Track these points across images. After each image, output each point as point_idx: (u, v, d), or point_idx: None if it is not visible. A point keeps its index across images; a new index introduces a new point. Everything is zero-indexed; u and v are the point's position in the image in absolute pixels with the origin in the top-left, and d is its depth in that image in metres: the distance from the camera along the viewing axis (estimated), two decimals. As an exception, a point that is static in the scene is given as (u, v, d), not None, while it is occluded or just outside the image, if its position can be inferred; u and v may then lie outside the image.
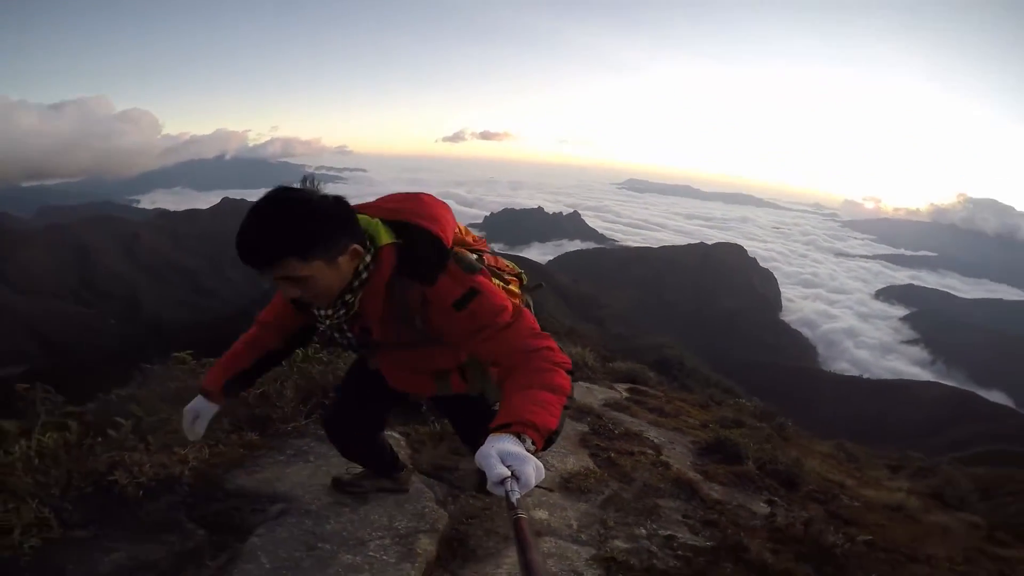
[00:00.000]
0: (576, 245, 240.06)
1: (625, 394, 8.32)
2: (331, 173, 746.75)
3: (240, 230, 1.67)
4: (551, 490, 3.23)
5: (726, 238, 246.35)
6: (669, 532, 2.85)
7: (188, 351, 4.08)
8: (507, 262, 2.19)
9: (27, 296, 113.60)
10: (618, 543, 2.66)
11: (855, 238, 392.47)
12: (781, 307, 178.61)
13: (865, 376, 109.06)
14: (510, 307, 1.86)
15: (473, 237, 2.18)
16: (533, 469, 1.40)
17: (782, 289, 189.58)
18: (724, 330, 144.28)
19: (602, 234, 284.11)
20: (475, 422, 1.84)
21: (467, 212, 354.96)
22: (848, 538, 3.18)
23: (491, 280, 1.97)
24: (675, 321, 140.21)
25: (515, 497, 1.33)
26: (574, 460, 3.82)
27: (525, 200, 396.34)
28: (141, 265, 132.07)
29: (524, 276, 2.27)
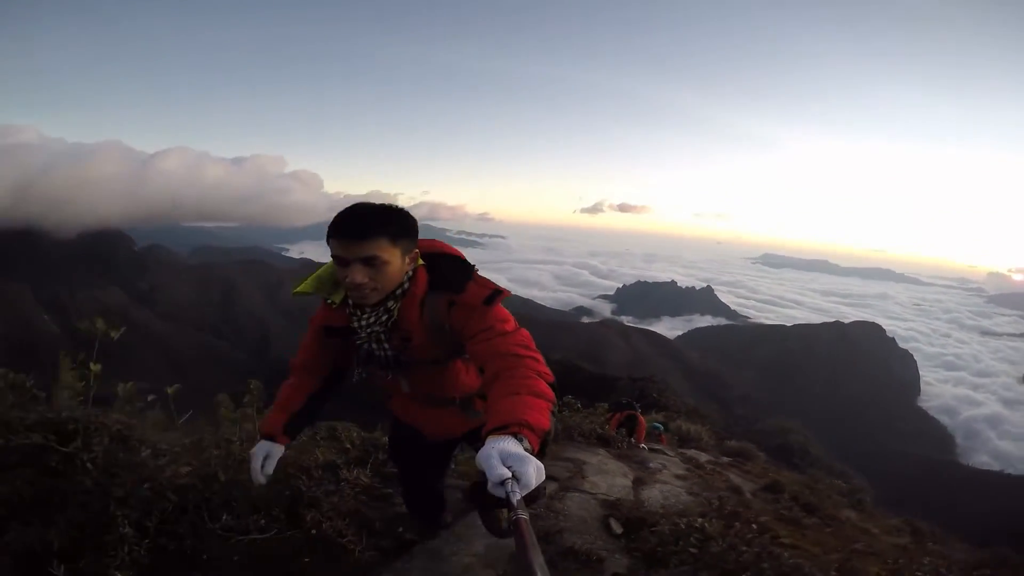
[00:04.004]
0: (707, 321, 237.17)
1: (726, 460, 11.53)
2: (470, 238, 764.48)
3: (344, 211, 2.05)
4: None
5: (864, 316, 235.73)
6: (720, 495, 6.38)
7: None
8: None
9: (169, 322, 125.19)
10: (699, 488, 6.30)
11: (1002, 315, 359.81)
12: (920, 391, 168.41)
13: (1007, 472, 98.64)
14: (514, 321, 2.17)
15: None
16: (534, 470, 1.46)
17: (922, 372, 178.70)
18: (856, 415, 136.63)
19: (734, 310, 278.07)
20: None
21: (600, 283, 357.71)
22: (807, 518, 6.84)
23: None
24: (804, 404, 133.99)
25: (516, 498, 1.36)
26: (683, 472, 7.56)
27: (658, 273, 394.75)
28: (280, 309, 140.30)
29: None
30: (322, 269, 2.31)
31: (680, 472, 7.60)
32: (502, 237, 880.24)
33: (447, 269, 2.23)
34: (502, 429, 1.58)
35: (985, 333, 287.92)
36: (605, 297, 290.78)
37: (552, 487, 5.05)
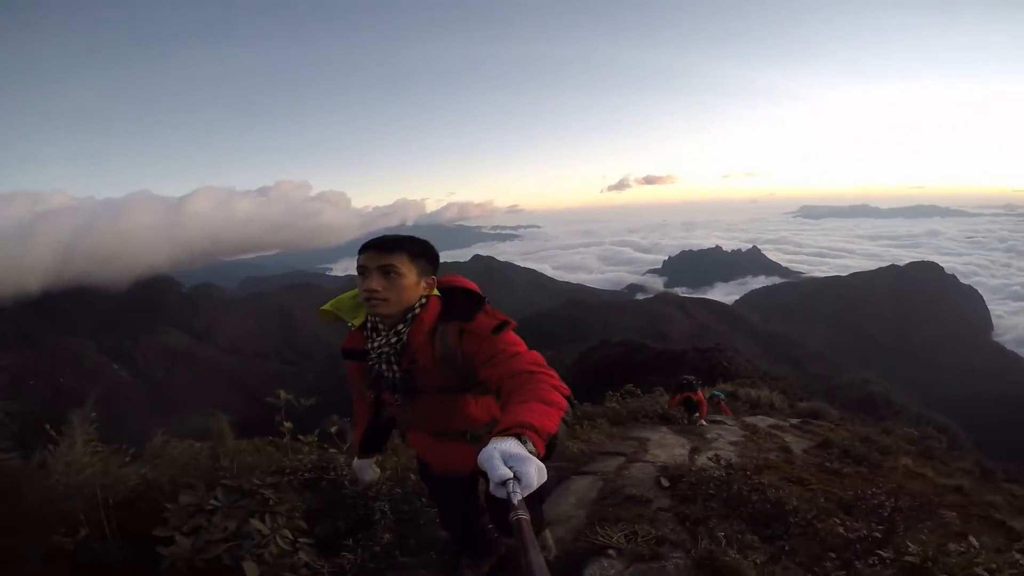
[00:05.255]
0: (761, 281, 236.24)
1: (791, 423, 12.35)
2: (506, 232, 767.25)
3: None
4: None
5: (918, 256, 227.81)
6: (769, 456, 7.37)
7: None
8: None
9: (233, 356, 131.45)
10: (751, 451, 7.25)
11: None
12: (992, 326, 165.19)
13: None
14: (524, 345, 2.24)
15: None
16: (535, 470, 1.45)
17: (990, 306, 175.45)
18: (932, 359, 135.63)
19: (786, 267, 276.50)
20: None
21: (645, 258, 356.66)
22: (852, 468, 7.91)
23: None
24: (876, 354, 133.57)
25: (516, 498, 1.35)
26: (739, 439, 8.54)
27: (701, 240, 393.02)
28: (338, 327, 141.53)
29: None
30: (345, 293, 2.53)
31: (735, 439, 8.62)
32: (537, 227, 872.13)
33: (459, 300, 2.37)
34: (505, 431, 1.59)
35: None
36: (654, 271, 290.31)
37: (619, 461, 6.19)
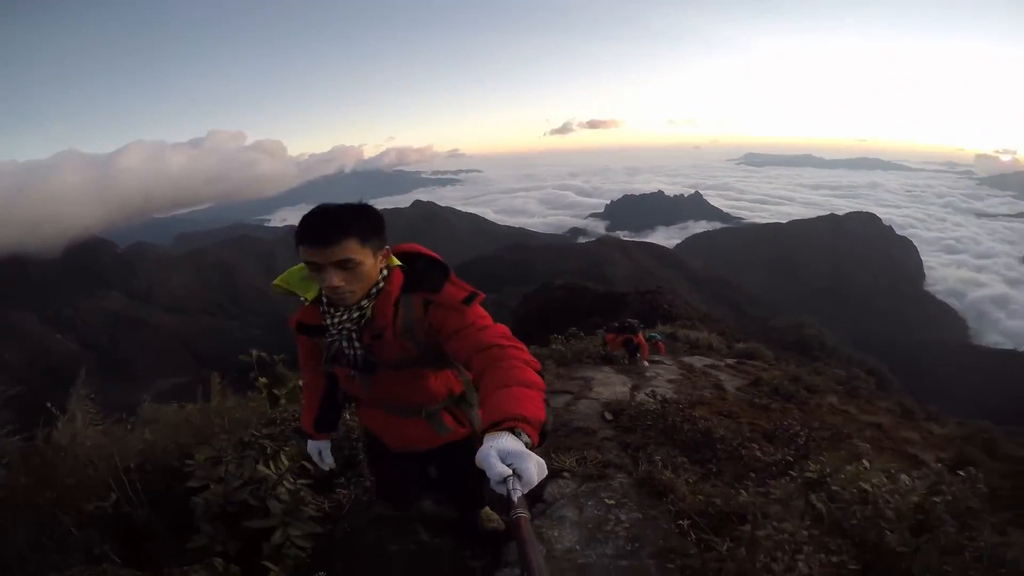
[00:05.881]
0: (702, 226, 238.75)
1: (726, 363, 12.96)
2: (446, 177, 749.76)
3: (308, 215, 1.99)
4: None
5: (857, 207, 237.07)
6: (703, 392, 7.95)
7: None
8: None
9: (176, 314, 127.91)
10: (686, 388, 7.85)
11: (995, 196, 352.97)
12: (924, 276, 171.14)
13: (1022, 349, 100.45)
14: (490, 317, 2.11)
15: None
16: (535, 466, 1.40)
17: (923, 258, 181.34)
18: (865, 306, 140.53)
19: (727, 213, 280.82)
20: (475, 476, 1.49)
21: (587, 202, 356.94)
22: (779, 404, 8.59)
23: None
24: (812, 299, 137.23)
25: (517, 496, 1.32)
26: (676, 377, 9.12)
27: (643, 185, 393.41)
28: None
29: None
30: (294, 267, 2.28)
31: (672, 377, 9.24)
32: (478, 171, 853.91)
33: (424, 270, 2.22)
34: (497, 425, 1.54)
35: (981, 215, 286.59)
36: (596, 215, 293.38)
37: (567, 398, 6.77)
